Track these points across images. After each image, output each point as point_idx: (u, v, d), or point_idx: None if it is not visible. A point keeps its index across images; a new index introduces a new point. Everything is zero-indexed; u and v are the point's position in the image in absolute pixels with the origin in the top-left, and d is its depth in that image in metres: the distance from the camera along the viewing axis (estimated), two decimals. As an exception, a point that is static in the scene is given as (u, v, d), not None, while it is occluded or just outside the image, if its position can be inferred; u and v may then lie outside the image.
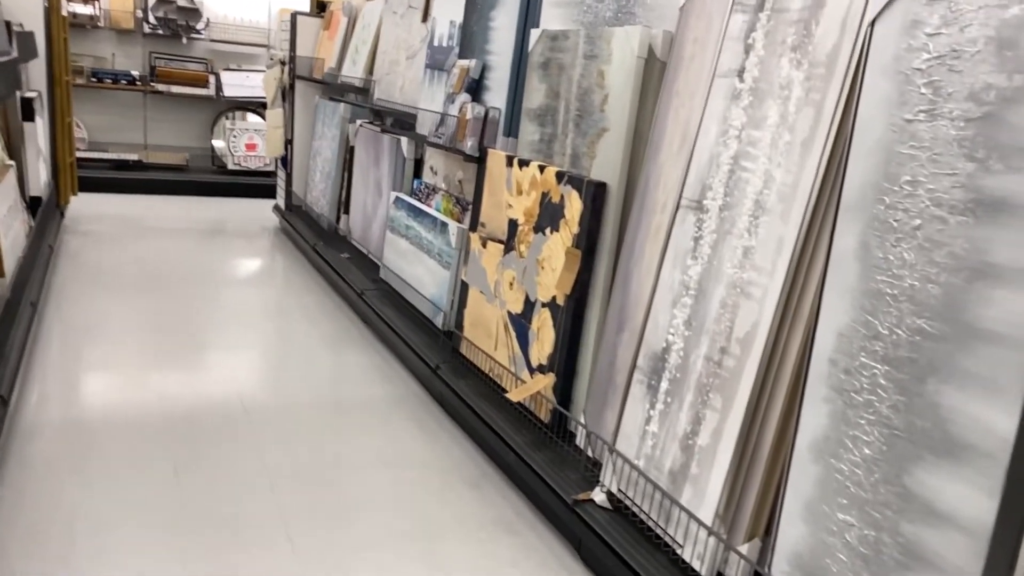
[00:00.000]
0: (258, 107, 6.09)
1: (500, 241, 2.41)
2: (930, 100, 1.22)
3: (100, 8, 5.74)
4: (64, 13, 4.47)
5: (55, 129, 4.35)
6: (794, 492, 1.34)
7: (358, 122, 3.90)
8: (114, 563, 1.65)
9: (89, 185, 5.23)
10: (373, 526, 1.89)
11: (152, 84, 5.88)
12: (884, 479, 1.21)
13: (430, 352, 2.64)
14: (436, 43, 3.05)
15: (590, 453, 1.93)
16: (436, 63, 3.02)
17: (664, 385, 1.68)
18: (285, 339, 3.17)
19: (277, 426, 2.36)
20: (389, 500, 2.01)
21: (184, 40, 5.99)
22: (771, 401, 1.45)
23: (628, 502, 1.72)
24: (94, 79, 5.72)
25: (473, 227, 2.60)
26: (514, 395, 2.13)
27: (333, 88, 4.38)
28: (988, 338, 1.10)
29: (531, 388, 2.10)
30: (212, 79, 6.01)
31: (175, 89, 5.89)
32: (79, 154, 5.30)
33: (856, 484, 1.25)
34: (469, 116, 2.59)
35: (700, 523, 1.50)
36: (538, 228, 2.20)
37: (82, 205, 4.85)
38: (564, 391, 2.06)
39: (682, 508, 1.54)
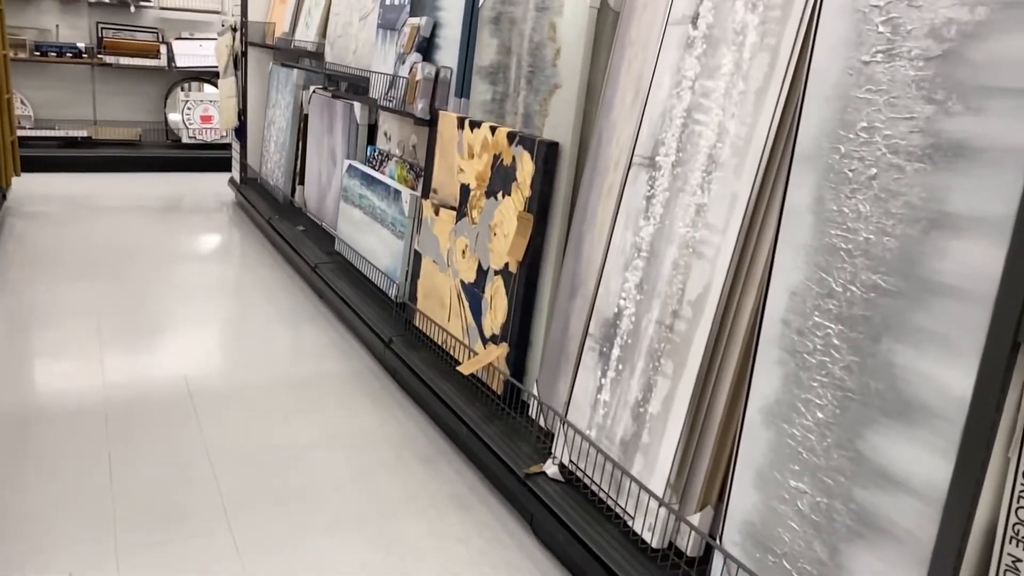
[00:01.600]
0: (213, 77, 5.85)
1: (452, 208, 2.30)
2: (888, 39, 1.14)
3: (41, -25, 5.46)
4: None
5: (-7, 106, 4.12)
6: (745, 459, 1.28)
7: (311, 88, 3.74)
8: (42, 564, 1.54)
9: (36, 164, 5.00)
10: (321, 509, 1.80)
11: (100, 56, 5.62)
12: (837, 444, 1.14)
13: (384, 325, 2.55)
14: (388, 1, 2.90)
15: (543, 424, 1.85)
16: (388, 22, 2.88)
17: (616, 352, 1.60)
18: (237, 316, 3.04)
19: (224, 408, 2.25)
20: (339, 481, 1.92)
21: (132, 9, 5.73)
22: (723, 365, 1.37)
23: (580, 474, 1.65)
24: (37, 53, 5.44)
25: (425, 194, 2.49)
26: (465, 368, 2.04)
27: (286, 54, 4.20)
28: (944, 292, 1.03)
29: (482, 360, 2.02)
30: (163, 49, 5.76)
31: (124, 61, 5.62)
32: (24, 132, 5.06)
33: (808, 450, 1.19)
34: (419, 77, 2.46)
35: (651, 494, 1.43)
36: (490, 193, 2.10)
37: (28, 186, 4.63)
38: (517, 361, 1.98)
39: (633, 479, 1.48)
